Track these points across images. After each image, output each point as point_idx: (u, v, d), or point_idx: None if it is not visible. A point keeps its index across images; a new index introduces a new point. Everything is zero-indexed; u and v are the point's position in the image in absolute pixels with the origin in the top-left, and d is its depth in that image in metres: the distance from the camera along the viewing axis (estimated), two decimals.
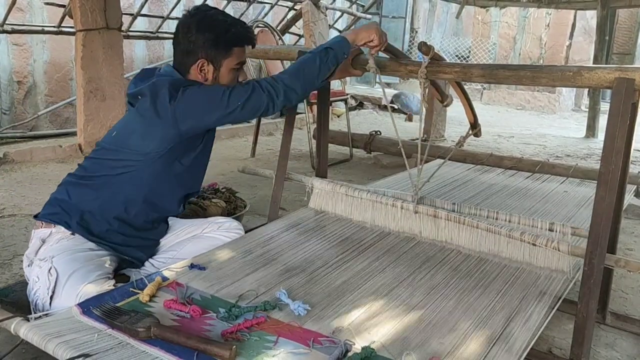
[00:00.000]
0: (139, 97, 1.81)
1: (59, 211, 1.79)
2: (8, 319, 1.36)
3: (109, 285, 1.62)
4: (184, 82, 1.79)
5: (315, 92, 2.32)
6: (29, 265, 1.77)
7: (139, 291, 1.53)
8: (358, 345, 1.34)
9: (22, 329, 1.32)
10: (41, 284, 1.67)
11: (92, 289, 1.58)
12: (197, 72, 1.82)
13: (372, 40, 1.90)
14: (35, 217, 1.83)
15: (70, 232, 1.76)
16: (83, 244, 1.76)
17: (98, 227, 1.79)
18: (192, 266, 1.71)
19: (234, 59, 1.84)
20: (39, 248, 1.77)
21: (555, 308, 1.55)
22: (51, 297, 1.63)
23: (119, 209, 1.80)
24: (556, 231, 1.64)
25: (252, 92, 1.77)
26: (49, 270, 1.66)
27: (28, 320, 1.37)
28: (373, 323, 1.47)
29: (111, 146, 1.82)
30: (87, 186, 1.81)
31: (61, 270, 1.65)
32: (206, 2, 5.82)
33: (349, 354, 1.31)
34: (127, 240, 1.83)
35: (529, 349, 1.37)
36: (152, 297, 1.52)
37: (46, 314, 1.53)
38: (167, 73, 1.85)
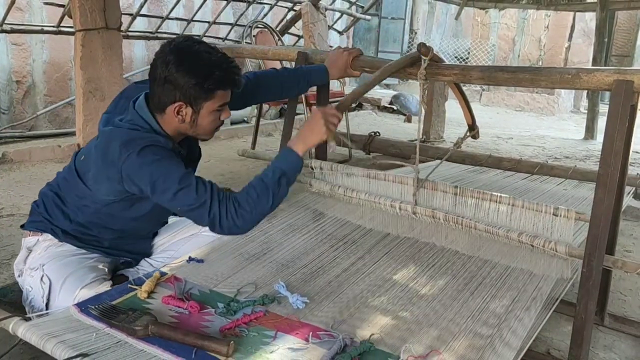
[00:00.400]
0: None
1: (43, 220, 1.77)
2: (6, 318, 1.37)
3: (105, 287, 1.61)
4: (142, 141, 1.58)
5: (315, 92, 2.32)
6: (19, 276, 1.75)
7: (136, 287, 1.53)
8: (357, 339, 1.35)
9: (21, 329, 1.32)
10: (35, 293, 1.65)
11: (88, 293, 1.56)
12: (173, 114, 1.63)
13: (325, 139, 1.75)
14: (22, 226, 1.82)
15: (57, 240, 1.74)
16: (73, 250, 1.73)
17: (83, 237, 1.76)
18: (190, 259, 1.72)
19: (216, 101, 1.64)
20: (27, 257, 1.74)
21: (553, 309, 1.56)
22: (46, 305, 1.62)
23: (93, 234, 1.76)
24: (560, 216, 1.64)
25: (198, 208, 1.56)
26: (41, 278, 1.64)
27: (26, 320, 1.37)
28: (372, 317, 1.47)
29: (78, 171, 1.73)
30: (60, 210, 1.75)
31: (54, 277, 1.63)
32: (203, 5, 5.82)
33: (348, 348, 1.31)
34: (116, 245, 1.81)
35: (526, 349, 1.37)
36: (151, 293, 1.52)
37: (44, 314, 1.53)
38: (137, 110, 1.66)
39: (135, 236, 1.87)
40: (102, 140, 1.65)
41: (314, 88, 2.25)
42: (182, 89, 1.59)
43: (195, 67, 1.59)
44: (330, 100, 2.00)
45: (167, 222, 2.01)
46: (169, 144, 1.65)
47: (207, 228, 1.94)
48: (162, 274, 1.63)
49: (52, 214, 1.76)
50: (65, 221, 1.75)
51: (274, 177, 1.64)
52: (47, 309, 1.61)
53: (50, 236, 1.74)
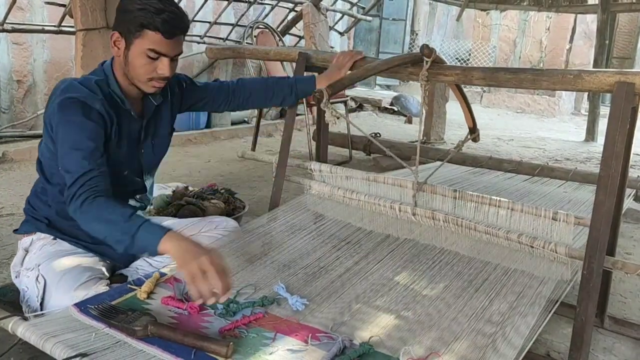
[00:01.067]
0: None
1: (30, 219, 1.78)
2: (5, 318, 1.36)
3: (101, 286, 1.60)
4: (73, 93, 1.60)
5: None
6: (16, 277, 1.75)
7: (136, 288, 1.53)
8: (356, 341, 1.34)
9: (20, 328, 1.31)
10: (30, 293, 1.64)
11: (83, 293, 1.55)
12: (112, 45, 1.68)
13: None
14: (15, 231, 1.83)
15: (52, 237, 1.74)
16: (68, 248, 1.73)
17: (64, 227, 1.75)
18: None
19: (146, 42, 1.62)
20: (24, 258, 1.75)
21: (553, 310, 1.55)
22: (41, 305, 1.61)
23: (65, 213, 1.69)
24: (559, 220, 1.64)
25: (68, 175, 1.55)
26: (37, 278, 1.64)
27: (26, 320, 1.37)
28: (373, 318, 1.47)
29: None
30: (39, 198, 1.78)
31: (49, 277, 1.62)
32: (204, 6, 5.83)
33: (347, 350, 1.31)
34: (95, 238, 1.75)
35: (526, 350, 1.37)
36: (150, 293, 1.52)
37: (42, 314, 1.52)
38: (104, 65, 1.75)
39: None
40: (55, 87, 1.69)
41: None
42: (122, 18, 1.65)
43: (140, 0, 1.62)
44: (332, 101, 1.99)
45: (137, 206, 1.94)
46: (102, 107, 1.63)
47: (207, 229, 1.95)
48: (162, 274, 1.63)
49: (34, 206, 1.78)
50: (44, 207, 1.76)
51: (133, 228, 1.45)
52: (42, 308, 1.60)
53: (42, 235, 1.74)
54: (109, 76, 1.71)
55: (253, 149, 4.80)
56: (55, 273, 1.63)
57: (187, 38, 6.32)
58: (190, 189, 2.83)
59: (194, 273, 1.35)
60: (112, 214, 1.49)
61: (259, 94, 2.12)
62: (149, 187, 1.95)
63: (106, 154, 1.65)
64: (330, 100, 1.91)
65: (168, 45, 1.64)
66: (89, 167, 1.55)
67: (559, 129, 7.93)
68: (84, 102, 1.61)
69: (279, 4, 6.60)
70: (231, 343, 1.26)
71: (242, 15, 6.46)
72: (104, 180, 1.57)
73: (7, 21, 4.30)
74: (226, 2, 6.08)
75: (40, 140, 1.78)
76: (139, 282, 1.57)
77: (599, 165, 1.54)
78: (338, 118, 1.90)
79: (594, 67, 6.44)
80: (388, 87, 10.22)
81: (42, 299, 1.61)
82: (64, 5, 4.37)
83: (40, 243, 1.74)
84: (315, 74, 2.21)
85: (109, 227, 1.48)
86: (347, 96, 5.04)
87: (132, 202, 1.91)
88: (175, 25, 1.65)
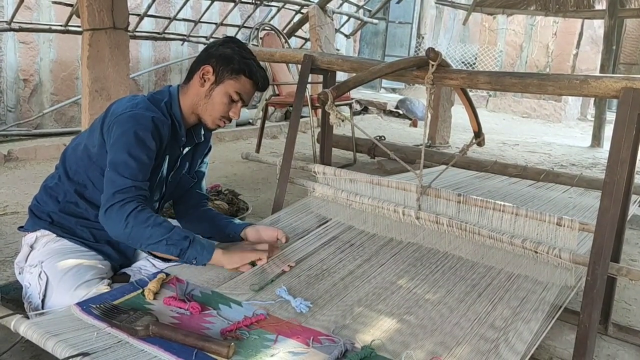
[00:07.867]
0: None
1: (34, 217, 1.79)
2: (8, 316, 1.36)
3: (103, 285, 1.60)
4: (146, 110, 1.70)
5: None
6: (19, 274, 1.76)
7: (139, 287, 1.53)
8: (358, 345, 1.34)
9: (22, 327, 1.32)
10: (32, 290, 1.66)
11: (85, 292, 1.56)
12: (198, 78, 1.77)
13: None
14: (20, 228, 1.84)
15: (56, 235, 1.75)
16: (70, 246, 1.73)
17: (67, 225, 1.76)
18: None
19: (237, 85, 1.77)
20: (28, 254, 1.75)
21: (556, 317, 1.55)
22: (43, 302, 1.62)
23: (79, 211, 1.77)
24: (564, 226, 1.63)
25: (115, 176, 1.62)
26: (39, 274, 1.65)
27: (28, 318, 1.37)
28: (375, 321, 1.47)
29: (67, 147, 1.86)
30: (48, 194, 1.80)
31: (51, 274, 1.64)
32: (211, 7, 5.83)
33: (349, 353, 1.30)
34: (100, 235, 1.76)
35: (529, 356, 1.36)
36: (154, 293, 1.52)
37: (44, 312, 1.52)
38: (170, 88, 1.82)
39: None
40: (120, 99, 1.79)
41: (319, 87, 2.25)
42: (218, 57, 1.75)
43: (238, 49, 1.77)
44: (336, 103, 1.99)
45: None
46: (165, 127, 1.73)
47: None
48: (166, 274, 1.63)
49: (40, 201, 1.80)
50: (52, 202, 1.77)
51: (185, 240, 1.63)
52: (43, 305, 1.61)
53: (47, 232, 1.75)
54: (173, 99, 1.80)
55: (257, 150, 4.80)
56: (57, 271, 1.64)
57: (193, 39, 6.31)
58: None
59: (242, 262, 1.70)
60: (166, 222, 1.64)
61: (200, 220, 2.01)
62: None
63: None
64: (335, 103, 1.91)
65: (250, 93, 1.81)
66: (142, 181, 1.66)
67: (564, 134, 7.91)
68: (156, 123, 1.70)
69: (285, 6, 6.61)
70: (232, 344, 1.26)
71: (249, 16, 6.47)
72: (149, 198, 1.72)
73: (14, 20, 4.32)
74: (232, 4, 6.09)
75: (76, 137, 1.86)
76: (141, 282, 1.57)
77: (605, 171, 1.54)
78: (343, 120, 1.90)
79: (600, 72, 6.42)
80: (393, 90, 10.21)
81: (44, 295, 1.62)
82: (71, 5, 4.38)
83: (44, 240, 1.75)
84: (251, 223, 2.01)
85: (166, 231, 1.61)
86: (352, 98, 5.03)
87: None
88: (267, 84, 1.87)
